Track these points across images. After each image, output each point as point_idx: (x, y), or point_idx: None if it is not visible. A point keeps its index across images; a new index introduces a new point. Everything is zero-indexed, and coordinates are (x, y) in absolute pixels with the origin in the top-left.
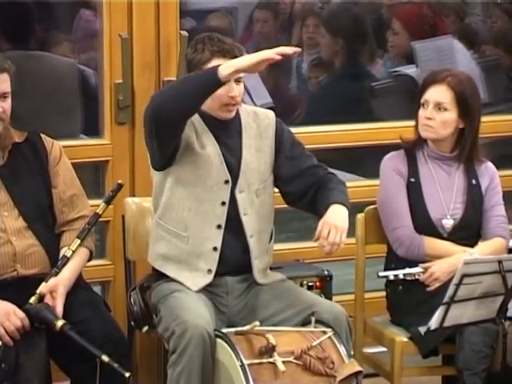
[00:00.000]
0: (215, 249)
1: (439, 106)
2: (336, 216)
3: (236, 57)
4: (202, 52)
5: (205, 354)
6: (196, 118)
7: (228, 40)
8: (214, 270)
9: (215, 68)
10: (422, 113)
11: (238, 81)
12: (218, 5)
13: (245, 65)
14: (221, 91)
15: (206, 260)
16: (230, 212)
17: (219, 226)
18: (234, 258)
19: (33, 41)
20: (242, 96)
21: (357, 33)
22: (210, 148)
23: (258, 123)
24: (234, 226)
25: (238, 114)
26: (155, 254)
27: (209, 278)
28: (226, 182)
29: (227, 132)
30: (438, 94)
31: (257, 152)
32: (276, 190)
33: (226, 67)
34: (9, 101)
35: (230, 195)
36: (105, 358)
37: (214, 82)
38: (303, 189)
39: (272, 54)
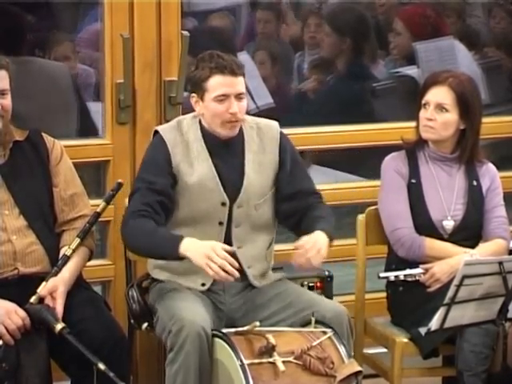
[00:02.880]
0: None
1: (440, 107)
2: (320, 240)
3: (234, 73)
4: (202, 70)
5: (202, 351)
6: (196, 137)
7: (228, 56)
8: (208, 285)
9: (178, 243)
10: (422, 114)
11: (239, 98)
12: (220, 5)
13: (196, 261)
14: (220, 108)
15: (202, 276)
16: (227, 227)
17: None
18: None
19: (31, 42)
20: (244, 112)
21: (361, 32)
22: (205, 172)
23: (261, 137)
24: (227, 239)
25: (240, 129)
26: (153, 263)
27: (202, 289)
28: (223, 204)
29: (229, 150)
30: (439, 95)
31: (260, 167)
32: None
33: (184, 249)
34: (8, 97)
35: (228, 212)
36: (101, 365)
37: (175, 257)
38: (293, 211)
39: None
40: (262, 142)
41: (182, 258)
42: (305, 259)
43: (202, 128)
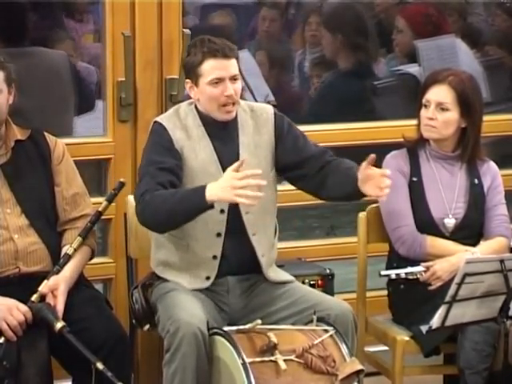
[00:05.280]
0: (215, 257)
1: (441, 106)
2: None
3: (227, 55)
4: (195, 55)
5: (199, 352)
6: (194, 122)
7: (219, 40)
8: (212, 278)
9: (203, 192)
10: (423, 113)
11: (233, 79)
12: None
13: (225, 198)
14: (216, 92)
15: (205, 268)
16: (231, 215)
17: (219, 234)
18: (238, 260)
19: (33, 38)
20: (239, 94)
21: (357, 30)
22: (206, 156)
23: (256, 119)
24: (235, 228)
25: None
26: (156, 260)
27: (206, 284)
28: None
29: (226, 133)
30: (440, 94)
31: (256, 148)
32: (278, 188)
33: (210, 194)
34: (1, 97)
35: None
36: (99, 365)
37: (204, 207)
38: (311, 172)
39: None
40: (257, 124)
41: (211, 206)
42: (380, 189)
43: (199, 113)
